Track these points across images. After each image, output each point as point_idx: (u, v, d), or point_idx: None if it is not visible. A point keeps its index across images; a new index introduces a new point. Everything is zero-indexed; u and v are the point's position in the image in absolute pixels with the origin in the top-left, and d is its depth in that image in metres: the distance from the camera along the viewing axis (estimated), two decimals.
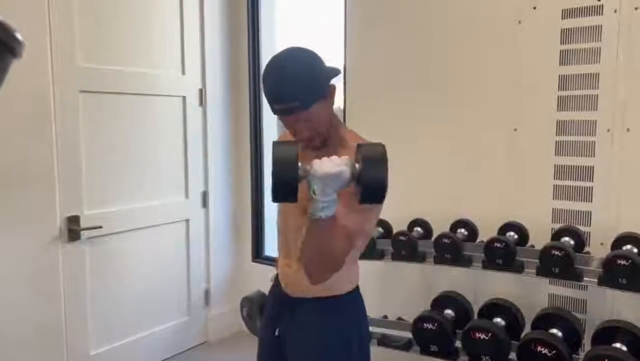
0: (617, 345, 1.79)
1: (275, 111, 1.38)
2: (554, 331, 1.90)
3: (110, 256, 2.78)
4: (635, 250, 1.93)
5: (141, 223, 2.91)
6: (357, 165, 1.19)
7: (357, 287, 1.61)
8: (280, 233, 1.64)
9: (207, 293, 3.37)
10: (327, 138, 1.45)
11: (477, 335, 1.94)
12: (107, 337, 2.80)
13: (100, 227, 2.66)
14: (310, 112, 1.36)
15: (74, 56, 2.53)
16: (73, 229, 2.57)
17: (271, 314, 1.67)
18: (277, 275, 1.69)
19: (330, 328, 1.54)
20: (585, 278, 1.94)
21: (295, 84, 1.34)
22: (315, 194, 1.19)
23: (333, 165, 1.17)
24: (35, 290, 2.47)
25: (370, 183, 1.17)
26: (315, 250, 1.31)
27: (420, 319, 2.11)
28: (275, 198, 1.19)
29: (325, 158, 1.19)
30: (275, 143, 1.22)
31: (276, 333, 1.61)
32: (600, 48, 2.10)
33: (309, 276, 1.37)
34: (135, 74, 2.82)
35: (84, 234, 2.61)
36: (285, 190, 1.17)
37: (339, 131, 1.51)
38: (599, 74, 2.11)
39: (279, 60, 1.39)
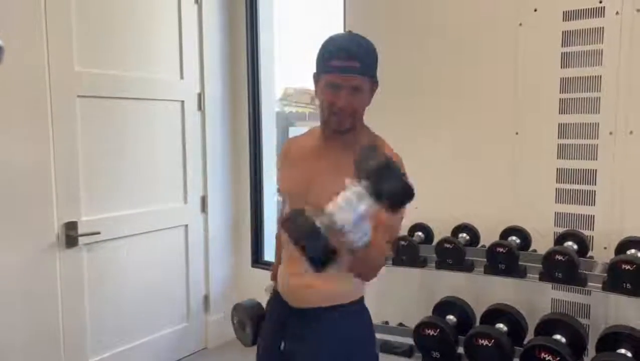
0: (622, 350, 1.76)
1: (332, 68, 1.35)
2: (558, 337, 1.88)
3: (108, 262, 2.74)
4: None
5: (139, 228, 2.88)
6: (366, 185, 1.07)
7: (363, 296, 1.57)
8: (286, 243, 1.55)
9: (206, 298, 3.35)
10: (354, 129, 1.46)
11: (480, 341, 1.92)
12: (106, 344, 2.77)
13: (98, 233, 2.63)
14: (362, 82, 1.37)
15: (71, 61, 2.50)
16: (71, 235, 2.54)
17: (273, 327, 1.59)
18: (274, 286, 1.65)
19: (343, 337, 1.49)
20: (589, 283, 1.92)
21: (364, 50, 1.37)
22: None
23: (349, 209, 1.06)
24: (32, 296, 2.43)
25: (392, 194, 1.06)
26: (365, 266, 1.29)
27: (422, 325, 2.09)
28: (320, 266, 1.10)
29: (333, 203, 1.07)
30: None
31: (281, 348, 1.53)
32: (602, 50, 2.08)
33: (364, 278, 1.39)
34: (133, 79, 2.80)
35: (82, 240, 2.58)
36: (325, 257, 1.08)
37: (367, 130, 1.53)
38: (601, 77, 2.09)
39: (349, 33, 1.43)
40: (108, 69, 2.68)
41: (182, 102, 3.09)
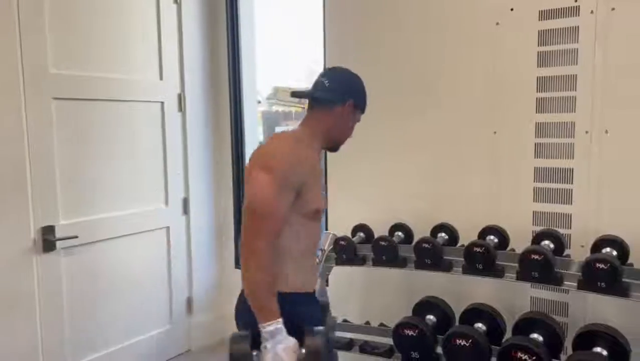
0: (598, 349, 1.77)
1: (363, 111, 1.78)
2: (535, 336, 1.89)
3: (87, 266, 2.71)
4: (615, 253, 1.92)
5: (119, 231, 2.85)
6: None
7: None
8: (313, 241, 1.70)
9: (189, 301, 3.32)
10: None
11: (458, 341, 1.92)
12: (86, 348, 2.74)
13: (76, 237, 2.60)
14: None
15: (45, 62, 2.47)
16: (48, 239, 2.51)
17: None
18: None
19: None
20: (565, 282, 1.92)
21: None
22: None
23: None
24: (9, 302, 2.40)
25: None
26: None
27: (401, 325, 2.09)
28: None
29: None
30: None
31: None
32: (577, 49, 2.09)
33: None
34: (110, 80, 2.76)
35: (60, 244, 2.55)
36: None
37: None
38: (576, 76, 2.10)
39: None
40: (85, 71, 2.64)
41: (162, 103, 3.06)
